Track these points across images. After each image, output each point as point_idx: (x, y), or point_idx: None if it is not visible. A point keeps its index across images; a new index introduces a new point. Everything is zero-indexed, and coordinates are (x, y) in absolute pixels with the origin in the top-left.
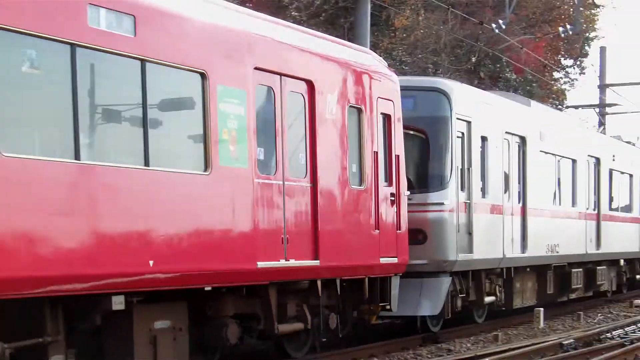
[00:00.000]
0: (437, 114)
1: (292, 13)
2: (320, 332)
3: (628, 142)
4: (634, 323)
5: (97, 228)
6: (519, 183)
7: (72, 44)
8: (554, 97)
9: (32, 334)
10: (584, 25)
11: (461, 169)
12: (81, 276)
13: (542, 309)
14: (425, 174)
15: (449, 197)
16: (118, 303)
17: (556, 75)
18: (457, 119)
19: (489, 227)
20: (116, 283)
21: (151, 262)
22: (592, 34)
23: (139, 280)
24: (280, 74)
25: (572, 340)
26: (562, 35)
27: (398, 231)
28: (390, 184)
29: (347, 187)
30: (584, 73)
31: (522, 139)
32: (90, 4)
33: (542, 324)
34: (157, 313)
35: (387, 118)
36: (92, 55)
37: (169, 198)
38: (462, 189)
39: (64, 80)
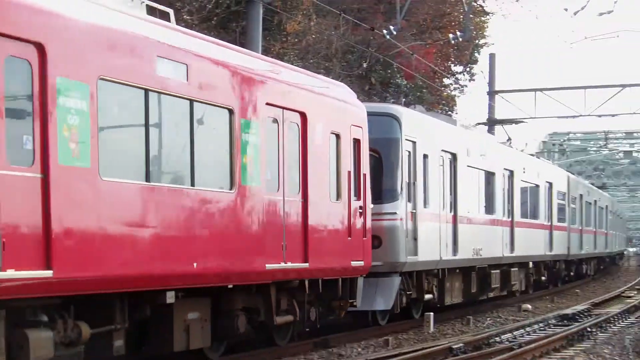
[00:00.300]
0: (390, 136)
1: (184, 17)
2: (304, 322)
3: (521, 150)
4: (523, 327)
5: (160, 236)
6: (451, 194)
7: (145, 89)
8: (444, 103)
9: (103, 323)
10: (474, 32)
11: (408, 183)
12: (149, 276)
13: (432, 313)
14: (379, 188)
15: (400, 208)
16: (170, 297)
17: (446, 81)
18: (406, 139)
19: (429, 234)
20: (171, 281)
21: (195, 264)
22: (482, 41)
23: (186, 279)
24: (283, 108)
25: (461, 345)
26: (452, 41)
27: (364, 238)
28: (359, 199)
29: (328, 201)
30: (473, 79)
31: (454, 156)
32: (159, 55)
33: (432, 329)
34: (190, 306)
35: (357, 142)
36: (157, 97)
37: (205, 211)
38: (409, 201)
39: (139, 118)
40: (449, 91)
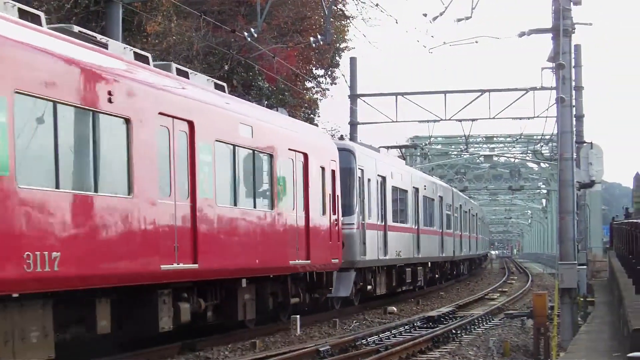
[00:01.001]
0: (348, 165)
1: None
2: (306, 303)
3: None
4: (388, 329)
5: (245, 242)
6: (382, 208)
7: (233, 145)
8: (307, 107)
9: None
10: (335, 36)
11: (359, 201)
12: (240, 269)
13: (298, 316)
14: (342, 205)
15: (355, 219)
16: (245, 283)
17: (308, 84)
18: (358, 168)
19: (372, 239)
20: (247, 272)
21: (257, 260)
22: (343, 45)
23: (253, 270)
24: (295, 151)
25: (328, 347)
26: (313, 45)
27: (338, 242)
28: (334, 213)
29: (319, 215)
30: (335, 83)
31: (384, 178)
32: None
33: (299, 331)
34: (247, 290)
35: (333, 172)
36: (238, 149)
37: (260, 224)
38: (360, 214)
39: (230, 165)
40: (311, 94)
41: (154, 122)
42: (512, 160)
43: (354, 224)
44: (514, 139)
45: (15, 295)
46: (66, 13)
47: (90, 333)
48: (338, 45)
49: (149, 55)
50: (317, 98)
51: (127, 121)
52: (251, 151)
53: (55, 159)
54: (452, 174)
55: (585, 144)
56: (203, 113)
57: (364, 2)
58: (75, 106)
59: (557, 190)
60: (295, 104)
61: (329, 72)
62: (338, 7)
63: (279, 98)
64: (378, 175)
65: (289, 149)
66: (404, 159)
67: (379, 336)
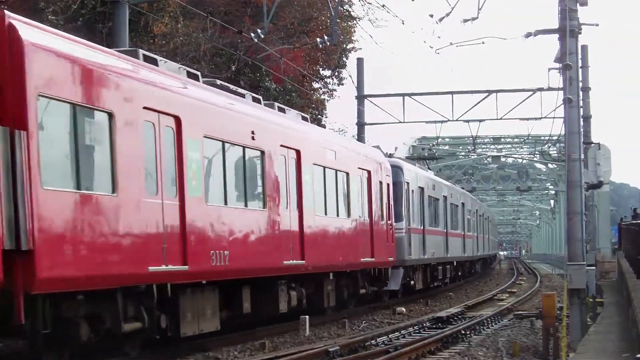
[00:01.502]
0: (398, 179)
1: (49, 17)
2: (354, 295)
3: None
4: (398, 330)
5: (333, 243)
6: (421, 215)
7: (324, 167)
8: (314, 107)
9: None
10: (341, 37)
11: (406, 208)
12: (328, 265)
13: (307, 316)
14: (391, 212)
15: (404, 225)
16: (332, 277)
17: (315, 85)
18: (405, 181)
19: (415, 241)
20: (333, 268)
21: (340, 258)
22: (349, 46)
23: (336, 266)
24: (362, 169)
25: (337, 348)
26: (320, 45)
27: (392, 243)
28: (389, 219)
29: (380, 221)
30: (342, 84)
31: (422, 189)
32: (328, 149)
33: (308, 332)
34: (330, 282)
35: (387, 185)
36: (327, 170)
37: (342, 229)
38: (407, 220)
39: (322, 183)
40: (318, 95)
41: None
42: (520, 161)
43: (403, 228)
44: (522, 139)
45: (203, 282)
46: (73, 14)
47: (236, 313)
48: (345, 46)
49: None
50: (324, 99)
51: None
52: (334, 171)
53: (225, 186)
54: (459, 174)
55: (592, 145)
56: (306, 143)
57: (370, 3)
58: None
59: (565, 191)
60: (302, 105)
61: (336, 73)
62: (344, 7)
63: (286, 99)
64: (418, 186)
65: (358, 168)
66: (429, 169)
67: (388, 337)
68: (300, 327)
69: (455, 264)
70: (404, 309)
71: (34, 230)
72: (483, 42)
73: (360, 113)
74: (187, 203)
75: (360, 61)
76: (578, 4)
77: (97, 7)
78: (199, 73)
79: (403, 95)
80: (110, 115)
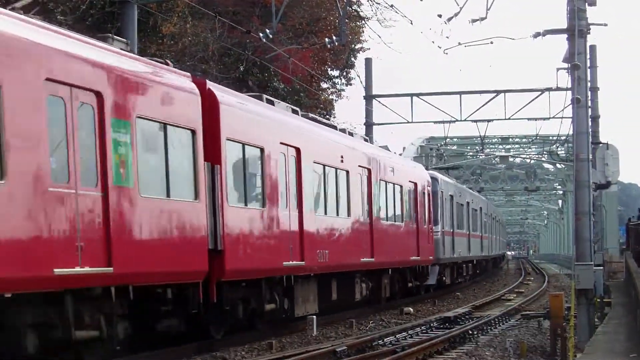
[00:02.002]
0: (435, 189)
1: (58, 17)
2: (404, 287)
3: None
4: (405, 330)
5: (393, 243)
6: (451, 219)
7: (385, 181)
8: (322, 107)
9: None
10: (350, 37)
11: (442, 214)
12: (388, 262)
13: (315, 316)
14: (431, 217)
15: (440, 228)
16: (390, 272)
17: (323, 85)
18: (440, 190)
19: (447, 242)
20: (391, 264)
21: (397, 257)
22: (358, 46)
23: (393, 263)
24: (411, 182)
25: (345, 348)
26: (328, 46)
27: (431, 244)
28: (429, 223)
29: (424, 225)
30: (351, 84)
31: (452, 196)
32: (389, 166)
33: (315, 332)
34: (387, 277)
35: (428, 194)
36: (387, 184)
37: (399, 232)
38: (442, 224)
39: (384, 195)
40: (327, 95)
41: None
42: (528, 161)
43: (439, 231)
44: (530, 139)
45: (312, 274)
46: (82, 14)
47: (327, 300)
48: (353, 46)
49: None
50: (332, 99)
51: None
52: (393, 184)
53: (326, 200)
54: (467, 174)
55: (601, 145)
56: (375, 162)
57: (379, 3)
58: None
59: (573, 191)
60: (310, 105)
61: (344, 73)
62: (353, 8)
63: (294, 99)
64: (449, 194)
65: (409, 181)
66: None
67: (395, 337)
68: (308, 327)
69: (474, 262)
70: (411, 309)
71: (224, 236)
72: (491, 42)
73: (369, 113)
74: (305, 213)
75: (368, 61)
76: (587, 4)
77: (105, 7)
78: (298, 109)
79: (411, 95)
80: (262, 150)
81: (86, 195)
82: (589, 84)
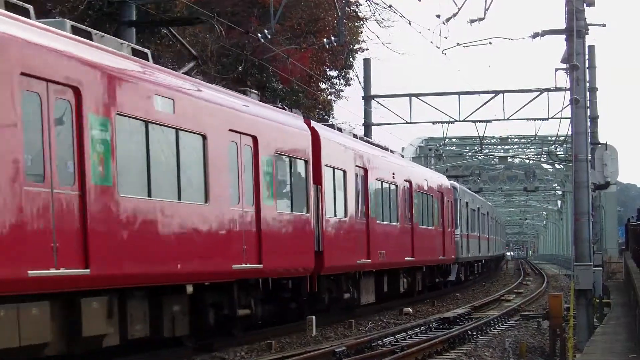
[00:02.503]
0: (455, 197)
1: (56, 17)
2: (432, 282)
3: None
4: (404, 330)
5: (429, 245)
6: (466, 223)
7: (422, 193)
8: (321, 108)
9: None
10: (348, 37)
11: (460, 219)
12: (421, 260)
13: (314, 317)
14: (453, 222)
15: (459, 231)
16: (424, 269)
17: (322, 86)
18: (459, 199)
19: (465, 244)
20: (424, 262)
21: (430, 256)
22: (356, 46)
23: (427, 261)
24: (439, 192)
25: (344, 348)
26: (327, 46)
27: (454, 245)
28: (452, 227)
29: (448, 229)
30: (349, 84)
31: (467, 203)
32: (424, 178)
33: (314, 332)
34: (420, 273)
35: (450, 202)
36: (420, 194)
37: (432, 234)
38: (461, 227)
39: (421, 204)
40: (325, 96)
41: None
42: (527, 161)
43: (459, 234)
44: (529, 140)
45: (373, 270)
46: (80, 15)
47: (380, 292)
48: (352, 46)
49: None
50: (331, 99)
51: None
52: (427, 195)
53: (382, 209)
54: (465, 174)
55: (599, 145)
56: (413, 175)
57: (377, 4)
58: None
59: (572, 192)
60: (309, 105)
61: (343, 74)
62: (351, 8)
63: (293, 99)
64: (465, 201)
65: (438, 191)
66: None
67: (394, 337)
68: (307, 327)
69: (483, 261)
70: (410, 310)
71: (323, 240)
72: (490, 43)
73: (367, 114)
74: (370, 221)
75: (367, 62)
76: (585, 4)
77: (104, 8)
78: (356, 133)
79: (410, 95)
80: (345, 172)
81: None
82: (587, 85)
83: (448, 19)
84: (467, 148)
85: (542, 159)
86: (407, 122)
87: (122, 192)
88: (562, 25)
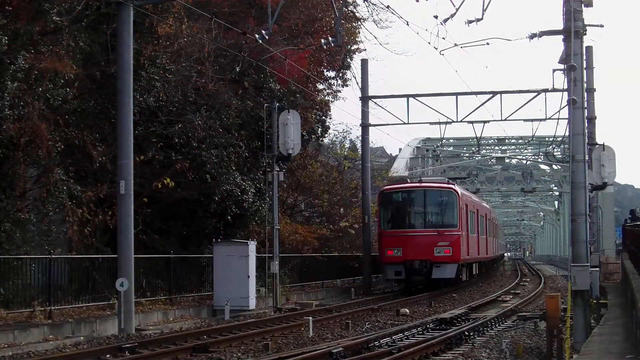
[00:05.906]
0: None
1: (54, 18)
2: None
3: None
4: (401, 331)
5: (483, 246)
6: (477, 224)
7: (484, 216)
8: (318, 108)
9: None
10: (346, 38)
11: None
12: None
13: (310, 317)
14: (492, 232)
15: (459, 232)
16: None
17: (319, 86)
18: (487, 214)
19: (466, 243)
20: (478, 259)
21: (485, 253)
22: (354, 47)
23: (480, 259)
24: (477, 209)
25: (341, 349)
26: (324, 46)
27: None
28: (476, 233)
29: (468, 234)
30: (347, 85)
31: (477, 210)
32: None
33: (311, 333)
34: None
35: (489, 217)
36: (484, 216)
37: (487, 241)
38: (463, 229)
39: (483, 223)
40: (323, 96)
41: None
42: (524, 162)
43: (457, 234)
44: (526, 140)
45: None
46: (77, 15)
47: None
48: (349, 47)
49: None
50: (328, 100)
51: None
52: (485, 217)
53: (478, 229)
54: (464, 175)
55: (597, 146)
56: (480, 206)
57: (375, 4)
58: None
59: (569, 193)
60: (306, 106)
61: (340, 74)
62: (349, 8)
63: (290, 100)
64: (476, 209)
65: (484, 213)
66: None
67: (391, 338)
68: (304, 328)
69: (492, 260)
70: (407, 310)
71: (467, 244)
72: (487, 43)
73: (365, 114)
74: (478, 235)
75: (364, 62)
76: (583, 4)
77: (101, 9)
78: (467, 188)
79: (407, 96)
80: (476, 212)
81: None
82: (585, 85)
83: (446, 20)
84: (465, 149)
85: (539, 160)
86: (404, 123)
87: (471, 234)
88: (560, 25)
